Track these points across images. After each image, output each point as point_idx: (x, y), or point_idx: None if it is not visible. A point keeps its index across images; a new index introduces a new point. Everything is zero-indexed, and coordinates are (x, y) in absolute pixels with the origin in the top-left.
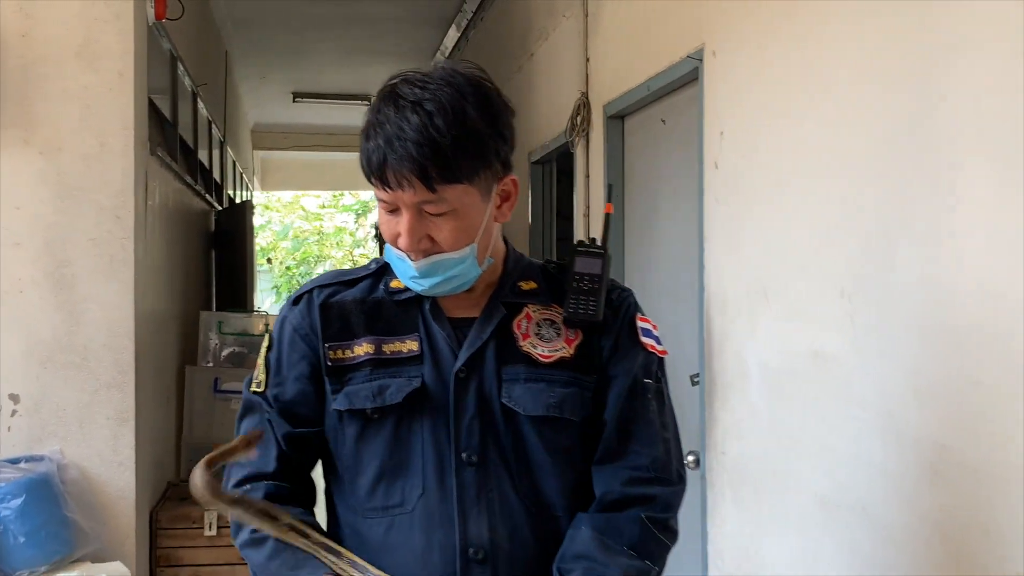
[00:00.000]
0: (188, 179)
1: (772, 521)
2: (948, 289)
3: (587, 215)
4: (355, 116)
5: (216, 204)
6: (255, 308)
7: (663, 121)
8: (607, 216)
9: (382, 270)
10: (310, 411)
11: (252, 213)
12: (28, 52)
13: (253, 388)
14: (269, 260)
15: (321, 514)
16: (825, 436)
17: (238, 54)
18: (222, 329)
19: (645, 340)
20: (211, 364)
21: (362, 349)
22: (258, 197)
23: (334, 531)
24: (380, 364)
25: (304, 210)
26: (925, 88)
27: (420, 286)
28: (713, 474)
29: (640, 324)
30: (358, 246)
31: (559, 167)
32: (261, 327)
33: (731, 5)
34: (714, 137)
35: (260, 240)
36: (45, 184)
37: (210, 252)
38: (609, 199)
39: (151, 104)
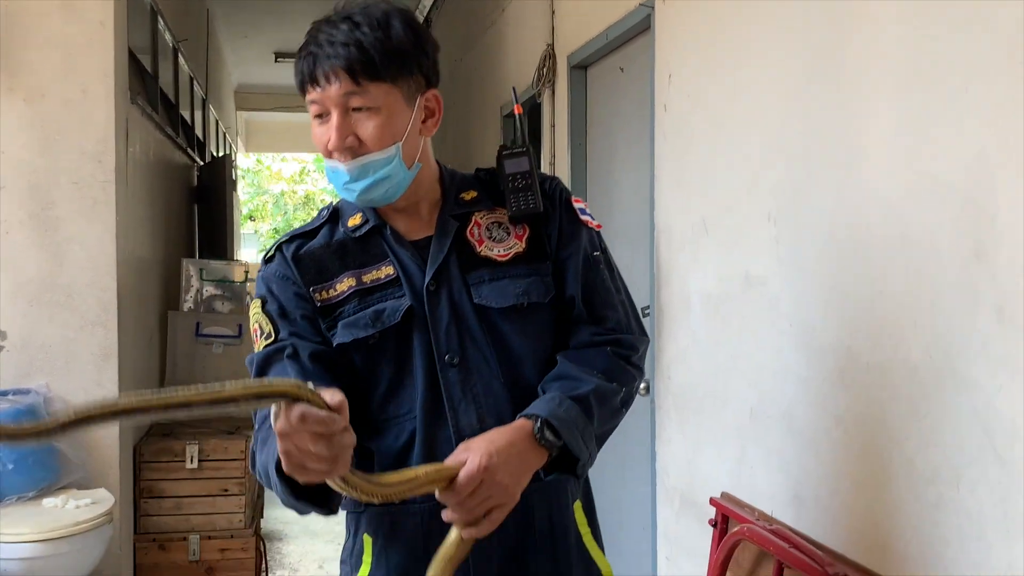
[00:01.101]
0: (169, 131)
1: (710, 437)
2: (858, 209)
3: (552, 163)
4: None
5: (199, 160)
6: (234, 257)
7: (621, 69)
8: (518, 116)
9: (334, 214)
10: (324, 338)
11: (233, 167)
12: (11, 3)
13: (264, 344)
14: (252, 218)
15: None
16: (754, 353)
17: (220, 12)
18: (204, 275)
19: (583, 218)
20: (193, 309)
21: (344, 284)
22: (243, 160)
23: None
24: (365, 293)
25: (283, 178)
26: (838, 29)
27: (354, 192)
28: (660, 399)
29: (575, 205)
30: None
31: (531, 124)
32: (242, 274)
33: None
34: (663, 81)
35: (245, 202)
36: (29, 129)
37: (193, 206)
38: (516, 101)
39: (132, 56)
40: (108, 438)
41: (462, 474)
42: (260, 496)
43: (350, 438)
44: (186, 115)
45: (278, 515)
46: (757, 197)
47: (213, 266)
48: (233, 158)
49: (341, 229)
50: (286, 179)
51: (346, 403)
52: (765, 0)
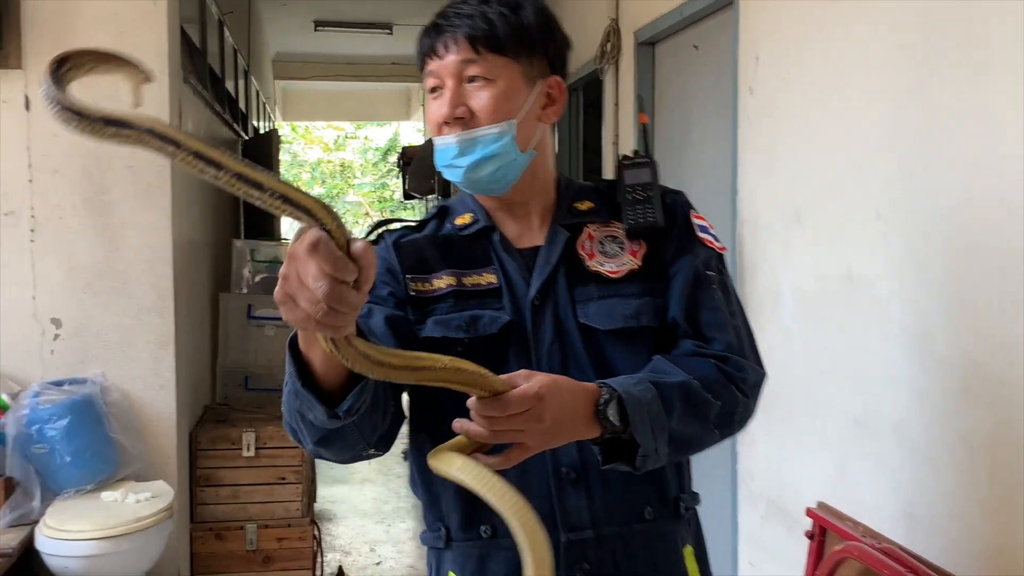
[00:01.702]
0: (217, 108)
1: (804, 442)
2: (984, 209)
3: (616, 143)
4: (377, 45)
5: (243, 134)
6: (282, 237)
7: (695, 47)
8: (643, 126)
9: (442, 211)
10: (405, 315)
11: (279, 144)
12: None
13: None
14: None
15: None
16: (859, 359)
17: None
18: (255, 257)
19: (702, 236)
20: (244, 291)
21: (443, 282)
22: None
23: (421, 465)
24: (462, 296)
25: (323, 144)
26: (969, 10)
27: (459, 169)
28: None
29: (695, 221)
30: (382, 179)
31: (585, 98)
32: None
33: None
34: (749, 62)
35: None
36: None
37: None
38: (641, 109)
39: (182, 32)
40: (165, 425)
41: (517, 391)
42: (314, 480)
43: (356, 297)
44: (230, 88)
45: (327, 494)
46: (863, 191)
47: (264, 247)
48: (278, 134)
49: (448, 226)
50: (323, 145)
51: (371, 257)
52: None
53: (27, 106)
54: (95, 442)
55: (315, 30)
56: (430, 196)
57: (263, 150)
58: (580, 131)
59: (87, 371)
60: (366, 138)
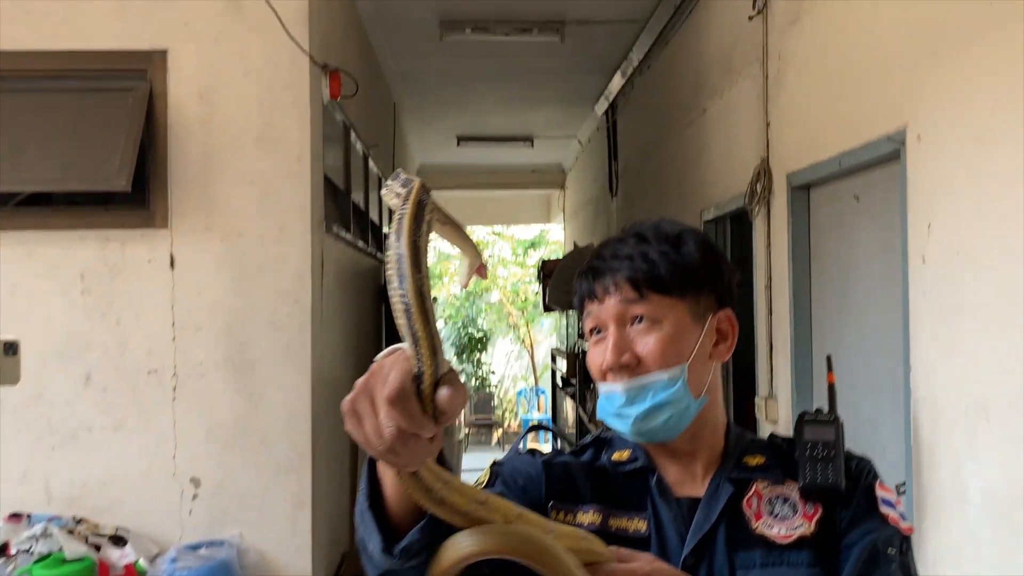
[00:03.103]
0: (360, 244)
1: None
2: None
3: (769, 287)
4: (518, 155)
5: (383, 256)
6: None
7: (856, 198)
8: (831, 386)
9: (599, 443)
10: None
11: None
12: (209, 139)
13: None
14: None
15: None
16: None
17: (406, 105)
18: None
19: (886, 511)
20: None
21: (587, 518)
22: None
23: None
24: (606, 537)
25: (479, 242)
26: None
27: (628, 419)
28: None
29: (880, 493)
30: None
31: (741, 238)
32: None
33: (940, 85)
34: (920, 228)
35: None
36: (225, 269)
37: (379, 305)
38: (830, 369)
39: (326, 180)
40: None
41: (634, 565)
42: None
43: (425, 449)
44: (373, 215)
45: None
46: None
47: None
48: None
49: (605, 457)
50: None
51: (455, 409)
52: None
53: (172, 264)
54: None
55: (458, 145)
56: (570, 310)
57: None
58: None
59: (225, 531)
60: (512, 236)
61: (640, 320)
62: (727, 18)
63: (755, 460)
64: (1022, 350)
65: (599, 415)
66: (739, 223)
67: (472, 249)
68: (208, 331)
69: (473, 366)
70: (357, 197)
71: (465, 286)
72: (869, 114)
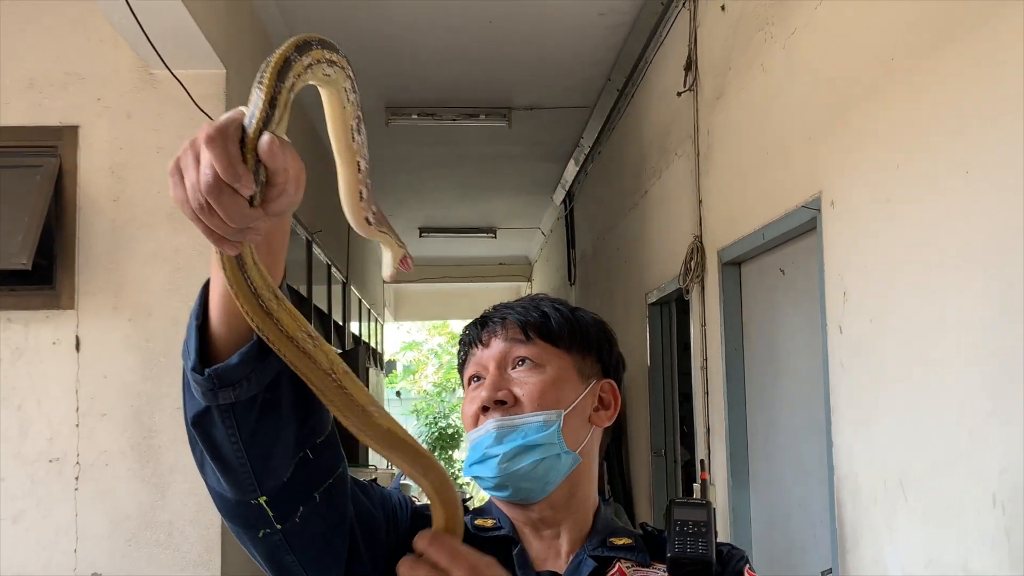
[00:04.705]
0: None
1: None
2: None
3: (704, 367)
4: (481, 247)
5: (336, 347)
6: (368, 462)
7: (782, 271)
8: (703, 482)
9: (465, 509)
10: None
11: (369, 356)
12: (119, 216)
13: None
14: (398, 394)
15: None
16: None
17: None
18: None
19: None
20: None
21: None
22: (391, 330)
23: None
24: None
25: (451, 334)
26: None
27: (492, 461)
28: None
29: None
30: None
31: (678, 317)
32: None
33: (850, 149)
34: (836, 297)
35: (403, 361)
36: (133, 351)
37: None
38: (703, 469)
39: None
40: None
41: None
42: None
43: (247, 214)
44: (321, 303)
45: None
46: (977, 470)
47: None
48: (374, 341)
49: (467, 522)
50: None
51: (282, 163)
52: (974, 204)
53: (77, 347)
54: None
55: (420, 236)
56: None
57: (351, 363)
58: (673, 338)
59: None
60: None
61: (523, 362)
62: (663, 97)
63: (621, 541)
64: (936, 420)
65: (465, 470)
66: (684, 307)
67: (394, 241)
68: (114, 417)
69: (445, 464)
70: (298, 283)
71: (390, 279)
72: (787, 184)
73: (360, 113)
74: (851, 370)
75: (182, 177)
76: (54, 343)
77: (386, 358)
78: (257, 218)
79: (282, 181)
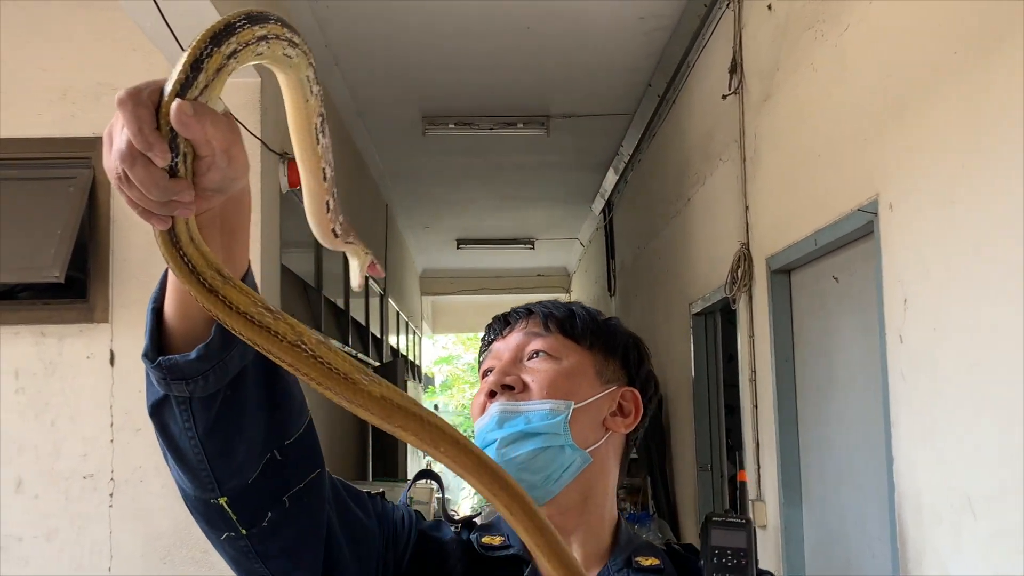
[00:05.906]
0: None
1: None
2: None
3: (753, 379)
4: (521, 258)
5: (373, 361)
6: (406, 476)
7: (835, 279)
8: (742, 484)
9: (468, 523)
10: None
11: (408, 368)
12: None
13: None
14: (436, 407)
15: None
16: None
17: (399, 206)
18: None
19: None
20: None
21: None
22: (427, 344)
23: None
24: None
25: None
26: None
27: (491, 447)
28: None
29: None
30: None
31: (725, 328)
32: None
33: (910, 149)
34: (896, 304)
35: (439, 375)
36: None
37: (367, 424)
38: (741, 467)
39: (287, 271)
40: None
41: None
42: None
43: (167, 185)
44: (359, 315)
45: None
46: None
47: (391, 489)
48: (412, 354)
49: (473, 537)
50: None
51: (200, 131)
52: None
53: (112, 361)
54: None
55: (458, 248)
56: None
57: (390, 377)
58: (718, 348)
59: None
60: None
61: (538, 355)
62: (707, 101)
63: (649, 561)
64: (1004, 435)
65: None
66: (729, 317)
67: (360, 248)
68: (148, 432)
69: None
70: (335, 295)
71: (359, 287)
72: (841, 187)
73: (323, 111)
74: (913, 381)
75: (111, 144)
76: (88, 357)
77: (423, 372)
78: (180, 191)
79: (208, 153)
